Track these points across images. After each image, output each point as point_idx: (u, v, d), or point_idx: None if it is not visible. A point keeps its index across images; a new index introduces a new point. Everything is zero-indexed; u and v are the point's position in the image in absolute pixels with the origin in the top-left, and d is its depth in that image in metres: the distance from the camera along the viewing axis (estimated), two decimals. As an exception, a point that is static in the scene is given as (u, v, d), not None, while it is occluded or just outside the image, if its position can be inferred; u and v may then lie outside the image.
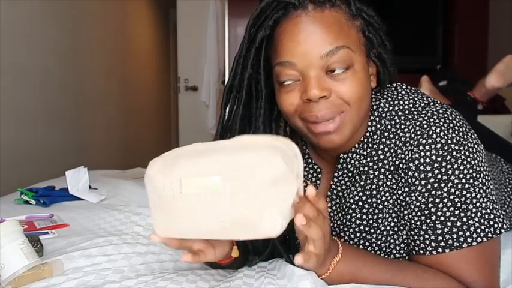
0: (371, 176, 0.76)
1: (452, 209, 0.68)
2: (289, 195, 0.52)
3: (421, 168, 0.69)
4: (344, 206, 0.79)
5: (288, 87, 0.70)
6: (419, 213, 0.70)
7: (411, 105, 0.75)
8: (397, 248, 0.75)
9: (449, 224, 0.68)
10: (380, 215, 0.75)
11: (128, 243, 0.90)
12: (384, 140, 0.75)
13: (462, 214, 0.68)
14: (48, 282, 0.69)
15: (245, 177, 0.52)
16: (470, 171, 0.68)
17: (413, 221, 0.71)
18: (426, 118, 0.72)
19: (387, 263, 0.70)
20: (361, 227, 0.77)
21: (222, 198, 0.53)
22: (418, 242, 0.71)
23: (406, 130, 0.73)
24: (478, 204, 0.68)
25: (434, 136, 0.69)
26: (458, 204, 0.68)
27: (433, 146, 0.69)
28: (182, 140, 3.89)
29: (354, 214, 0.77)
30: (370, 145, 0.76)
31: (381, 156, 0.75)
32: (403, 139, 0.73)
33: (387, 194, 0.75)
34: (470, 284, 0.67)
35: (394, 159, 0.74)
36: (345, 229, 0.78)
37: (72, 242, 0.92)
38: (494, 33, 3.75)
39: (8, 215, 1.16)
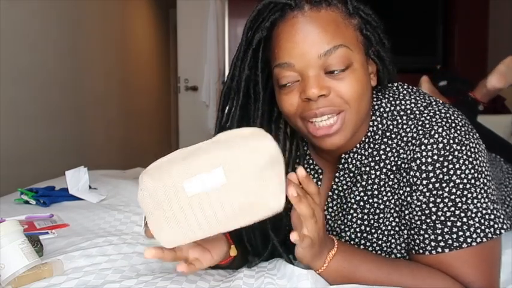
0: (372, 176, 0.76)
1: (453, 209, 0.68)
2: (282, 172, 0.57)
3: (423, 167, 0.69)
4: (345, 206, 0.79)
5: (287, 88, 0.71)
6: (419, 213, 0.70)
7: (413, 105, 0.75)
8: (398, 247, 0.75)
9: (449, 224, 0.68)
10: (381, 215, 0.75)
11: (128, 243, 0.90)
12: (385, 139, 0.75)
13: (462, 214, 0.68)
14: (48, 282, 0.69)
15: (245, 164, 0.55)
16: (472, 171, 0.68)
17: (413, 221, 0.71)
18: (428, 118, 0.72)
19: (383, 261, 0.70)
20: (362, 227, 0.77)
21: (228, 189, 0.55)
22: (418, 241, 0.71)
23: (408, 130, 0.73)
24: (478, 205, 0.68)
25: (436, 136, 0.69)
26: (459, 204, 0.68)
27: (434, 146, 0.69)
28: (182, 140, 3.89)
29: (355, 214, 0.77)
30: (371, 145, 0.76)
31: (383, 156, 0.75)
32: (405, 139, 0.73)
33: (389, 194, 0.75)
34: (469, 284, 0.67)
35: (396, 159, 0.74)
36: (346, 229, 0.78)
37: (72, 242, 0.92)
38: (494, 33, 3.75)
39: (8, 215, 1.16)
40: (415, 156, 0.70)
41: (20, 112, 2.13)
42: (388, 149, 0.75)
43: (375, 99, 0.78)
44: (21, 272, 0.68)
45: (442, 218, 0.68)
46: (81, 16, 2.83)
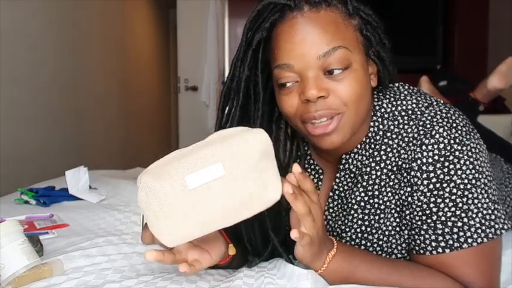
0: (373, 177, 0.76)
1: (453, 209, 0.68)
2: (275, 164, 0.59)
3: (424, 168, 0.69)
4: (346, 207, 0.79)
5: (287, 89, 0.71)
6: (420, 213, 0.70)
7: (414, 105, 0.75)
8: (399, 248, 0.75)
9: (450, 224, 0.68)
10: (382, 215, 0.75)
11: (128, 243, 0.90)
12: (386, 140, 0.75)
13: (463, 214, 0.68)
14: (48, 282, 0.69)
15: (242, 157, 0.56)
16: (473, 171, 0.68)
17: (414, 221, 0.71)
18: (429, 118, 0.72)
19: (384, 262, 0.70)
20: (363, 228, 0.77)
21: (227, 182, 0.56)
22: (418, 241, 0.71)
23: (409, 130, 0.73)
24: (479, 205, 0.68)
25: (437, 136, 0.69)
26: (460, 205, 0.68)
27: (435, 146, 0.69)
28: (182, 140, 3.89)
29: (356, 215, 0.77)
30: (372, 145, 0.76)
31: (383, 157, 0.75)
32: (406, 139, 0.73)
33: (389, 194, 0.75)
34: (469, 284, 0.67)
35: (397, 159, 0.74)
36: (347, 229, 0.78)
37: (72, 242, 0.92)
38: (494, 33, 3.75)
39: (8, 215, 1.16)
40: (416, 156, 0.70)
41: (20, 112, 2.13)
42: (388, 149, 0.75)
43: (375, 100, 0.78)
44: (21, 272, 0.68)
45: (443, 218, 0.68)
46: (81, 16, 2.83)
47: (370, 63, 0.75)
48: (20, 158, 2.11)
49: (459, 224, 0.68)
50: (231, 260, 0.73)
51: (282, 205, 0.62)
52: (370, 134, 0.76)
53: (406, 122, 0.74)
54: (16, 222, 0.73)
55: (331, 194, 0.81)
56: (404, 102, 0.76)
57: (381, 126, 0.76)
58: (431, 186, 0.69)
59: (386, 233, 0.75)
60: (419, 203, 0.70)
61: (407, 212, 0.72)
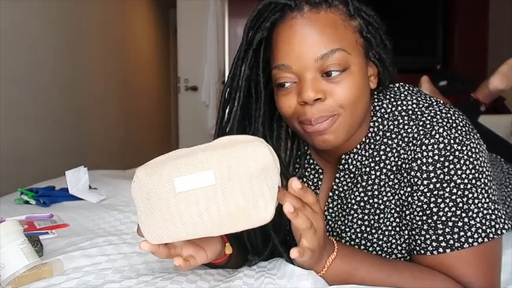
0: (373, 177, 0.76)
1: (454, 209, 0.68)
2: (275, 184, 0.55)
3: (424, 168, 0.69)
4: (346, 207, 0.79)
5: (285, 90, 0.71)
6: (420, 213, 0.70)
7: (414, 106, 0.75)
8: (399, 248, 0.75)
9: (450, 224, 0.68)
10: (382, 215, 0.75)
11: (128, 243, 0.90)
12: (386, 140, 0.75)
13: (464, 214, 0.68)
14: (48, 282, 0.69)
15: (237, 169, 0.54)
16: (473, 171, 0.68)
17: (414, 221, 0.71)
18: (429, 118, 0.71)
19: (384, 263, 0.70)
20: (363, 228, 0.77)
21: (216, 192, 0.55)
22: (419, 242, 0.70)
23: (409, 130, 0.73)
24: (479, 205, 0.68)
25: (437, 136, 0.69)
26: (460, 205, 0.68)
27: (435, 146, 0.69)
28: (182, 140, 3.89)
29: (355, 215, 0.77)
30: (372, 146, 0.76)
31: (383, 157, 0.75)
32: (406, 139, 0.73)
33: (389, 194, 0.75)
34: (469, 284, 0.67)
35: (397, 159, 0.74)
36: (347, 230, 0.78)
37: (72, 242, 0.92)
38: (494, 33, 3.75)
39: (8, 215, 1.16)
40: (416, 156, 0.70)
41: (20, 112, 2.13)
42: (388, 149, 0.75)
43: (376, 100, 0.78)
44: (21, 272, 0.68)
45: (443, 218, 0.68)
46: (81, 16, 2.83)
47: (370, 64, 0.74)
48: (20, 158, 2.11)
49: (460, 224, 0.67)
50: (228, 259, 0.73)
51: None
52: (370, 134, 0.76)
53: (406, 122, 0.74)
54: (16, 222, 0.73)
55: (330, 194, 0.81)
56: (404, 103, 0.76)
57: (380, 127, 0.76)
58: (431, 186, 0.69)
59: (386, 233, 0.75)
60: (420, 203, 0.70)
61: (408, 212, 0.72)
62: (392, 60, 0.76)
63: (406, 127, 0.73)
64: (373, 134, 0.76)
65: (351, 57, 0.68)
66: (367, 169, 0.76)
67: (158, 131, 5.14)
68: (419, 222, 0.70)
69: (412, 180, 0.71)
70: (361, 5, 0.73)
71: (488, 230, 0.67)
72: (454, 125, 0.70)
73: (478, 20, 3.76)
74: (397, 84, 0.79)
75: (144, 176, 0.57)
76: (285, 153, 0.81)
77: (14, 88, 2.07)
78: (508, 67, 1.52)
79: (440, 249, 0.68)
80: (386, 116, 0.76)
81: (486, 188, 0.69)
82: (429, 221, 0.69)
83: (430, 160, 0.69)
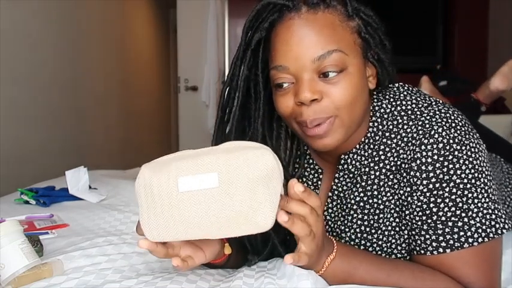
0: (372, 177, 0.76)
1: (453, 209, 0.68)
2: (277, 192, 0.55)
3: (423, 168, 0.69)
4: (345, 207, 0.79)
5: (283, 91, 0.71)
6: (420, 213, 0.70)
7: (414, 105, 0.75)
8: (399, 248, 0.75)
9: (450, 224, 0.68)
10: (381, 215, 0.75)
11: (128, 243, 0.90)
12: (385, 140, 0.75)
13: (463, 214, 0.68)
14: (48, 282, 0.69)
15: (240, 174, 0.54)
16: (472, 171, 0.68)
17: (414, 221, 0.71)
18: (428, 118, 0.72)
19: (383, 262, 0.70)
20: (362, 228, 0.77)
21: (218, 195, 0.55)
22: (419, 242, 0.70)
23: (408, 130, 0.73)
24: (479, 204, 0.68)
25: (436, 136, 0.69)
26: (460, 204, 0.68)
27: (434, 146, 0.69)
28: (182, 140, 3.89)
29: (355, 215, 0.77)
30: (371, 146, 0.76)
31: (382, 157, 0.75)
32: (405, 139, 0.73)
33: (388, 194, 0.75)
34: (469, 284, 0.67)
35: (396, 159, 0.74)
36: (346, 230, 0.78)
37: (72, 242, 0.92)
38: (494, 33, 3.75)
39: (8, 215, 1.16)
40: (415, 156, 0.70)
41: (20, 112, 2.13)
42: (387, 149, 0.75)
43: (375, 100, 0.78)
44: (21, 272, 0.68)
45: (443, 218, 0.68)
46: (81, 16, 2.83)
47: (368, 65, 0.74)
48: (20, 158, 2.11)
49: (459, 223, 0.67)
50: (227, 260, 0.73)
51: None
52: (369, 134, 0.76)
53: (405, 122, 0.74)
54: (16, 222, 0.73)
55: (330, 194, 0.81)
56: (403, 103, 0.76)
57: (380, 127, 0.76)
58: (430, 186, 0.69)
59: (386, 233, 0.75)
60: (419, 203, 0.70)
61: (407, 212, 0.72)
62: (391, 60, 0.76)
63: (405, 127, 0.74)
64: (373, 134, 0.76)
65: (348, 58, 0.68)
66: (367, 169, 0.76)
67: (158, 131, 5.14)
68: (419, 222, 0.70)
69: (411, 180, 0.71)
70: (359, 5, 0.73)
71: (488, 230, 0.67)
72: (453, 124, 0.70)
73: (478, 20, 3.76)
74: (396, 85, 0.79)
75: (149, 174, 0.57)
76: (284, 153, 0.81)
77: (14, 88, 2.07)
78: (508, 68, 1.52)
79: (440, 249, 0.68)
80: (385, 116, 0.76)
81: (486, 187, 0.69)
82: (429, 221, 0.69)
83: (429, 160, 0.69)
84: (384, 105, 0.77)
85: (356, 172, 0.78)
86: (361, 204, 0.76)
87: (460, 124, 0.70)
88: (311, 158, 0.85)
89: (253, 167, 0.55)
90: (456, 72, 3.52)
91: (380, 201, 0.75)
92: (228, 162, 0.55)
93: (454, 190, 0.68)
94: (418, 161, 0.70)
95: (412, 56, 3.59)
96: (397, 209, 0.74)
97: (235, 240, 0.75)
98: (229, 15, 4.01)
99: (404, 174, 0.72)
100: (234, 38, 4.01)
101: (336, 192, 0.81)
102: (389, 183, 0.75)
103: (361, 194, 0.76)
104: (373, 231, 0.76)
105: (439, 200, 0.68)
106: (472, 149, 0.69)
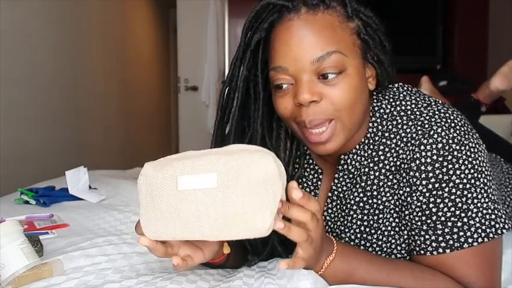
0: (372, 177, 0.76)
1: (453, 209, 0.68)
2: (277, 197, 0.54)
3: (422, 168, 0.69)
4: (345, 207, 0.79)
5: (282, 92, 0.71)
6: (420, 214, 0.70)
7: (413, 106, 0.75)
8: (398, 248, 0.75)
9: (449, 224, 0.68)
10: (381, 216, 0.75)
11: (128, 243, 0.90)
12: (384, 140, 0.75)
13: (463, 214, 0.68)
14: (48, 282, 0.69)
15: (239, 176, 0.54)
16: (472, 171, 0.68)
17: (414, 221, 0.71)
18: (428, 118, 0.71)
19: (383, 262, 0.70)
20: (362, 228, 0.77)
21: (217, 196, 0.55)
22: (418, 242, 0.70)
23: (407, 130, 0.73)
24: (479, 205, 0.68)
25: (436, 136, 0.69)
26: (459, 205, 0.68)
27: (434, 146, 0.69)
28: (182, 140, 3.89)
29: (354, 215, 0.77)
30: (371, 146, 0.76)
31: (382, 157, 0.75)
32: (404, 139, 0.73)
33: (388, 194, 0.75)
34: (469, 284, 0.67)
35: (395, 159, 0.74)
36: (346, 230, 0.78)
37: (72, 242, 0.92)
38: (494, 33, 3.75)
39: (8, 215, 1.16)
40: (415, 156, 0.70)
41: (20, 112, 2.13)
42: (387, 149, 0.75)
43: (375, 101, 0.78)
44: (21, 272, 0.68)
45: (443, 219, 0.68)
46: (81, 16, 2.83)
47: (368, 66, 0.74)
48: (20, 158, 2.11)
49: (459, 224, 0.67)
50: (226, 259, 0.73)
51: None
52: (368, 135, 0.76)
53: (404, 122, 0.74)
54: (16, 222, 0.73)
55: (330, 194, 0.81)
56: (403, 103, 0.76)
57: (379, 127, 0.76)
58: (430, 186, 0.69)
59: (386, 233, 0.75)
60: (419, 203, 0.70)
61: (407, 212, 0.72)
62: (391, 61, 0.76)
63: (404, 127, 0.74)
64: (372, 135, 0.76)
65: (347, 60, 0.68)
66: (366, 169, 0.76)
67: (158, 131, 5.15)
68: (419, 223, 0.70)
69: (411, 180, 0.71)
70: (359, 6, 0.72)
71: (488, 230, 0.67)
72: (453, 124, 0.70)
73: (478, 20, 3.76)
74: (396, 85, 0.79)
75: (151, 171, 0.58)
76: (284, 153, 0.81)
77: (14, 88, 2.07)
78: (508, 68, 1.53)
79: (440, 250, 0.68)
80: (385, 116, 0.76)
81: (486, 187, 0.69)
82: (428, 221, 0.69)
83: (428, 160, 0.69)
84: (384, 106, 0.77)
85: (356, 172, 0.78)
86: (361, 204, 0.76)
87: (460, 124, 0.70)
88: (311, 158, 0.85)
89: (252, 170, 0.54)
90: (456, 72, 3.51)
91: (380, 202, 0.75)
92: (227, 164, 0.55)
93: (454, 190, 0.68)
94: (417, 161, 0.70)
95: (412, 56, 3.59)
96: (397, 209, 0.74)
97: (234, 240, 0.75)
98: (229, 15, 4.01)
99: (404, 175, 0.72)
100: (234, 38, 4.01)
101: (335, 192, 0.81)
102: (389, 183, 0.75)
103: (361, 195, 0.76)
104: (372, 231, 0.76)
105: (438, 200, 0.68)
106: (472, 149, 0.69)
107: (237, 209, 0.54)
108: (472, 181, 0.68)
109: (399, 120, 0.75)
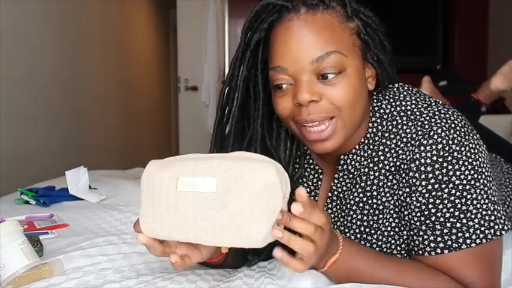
0: (371, 177, 0.76)
1: (452, 210, 0.68)
2: (276, 209, 0.54)
3: (422, 168, 0.69)
4: (345, 207, 0.79)
5: (281, 92, 0.71)
6: (419, 214, 0.70)
7: (413, 106, 0.75)
8: (398, 248, 0.75)
9: (448, 225, 0.68)
10: (381, 216, 0.75)
11: (128, 243, 0.90)
12: (384, 140, 0.75)
13: (462, 215, 0.68)
14: (48, 282, 0.69)
15: (239, 184, 0.54)
16: (472, 172, 0.68)
17: (413, 222, 0.71)
18: (428, 118, 0.71)
19: (387, 261, 0.70)
20: (362, 228, 0.77)
21: (214, 201, 0.55)
22: (417, 242, 0.70)
23: (407, 130, 0.73)
24: (478, 206, 0.68)
25: (436, 136, 0.69)
26: (459, 206, 0.68)
27: (434, 147, 0.69)
28: (182, 140, 3.88)
29: (354, 215, 0.77)
30: (371, 146, 0.76)
31: (381, 157, 0.75)
32: (404, 140, 0.73)
33: (387, 194, 0.75)
34: (469, 284, 0.67)
35: (395, 159, 0.74)
36: (346, 230, 0.78)
37: (72, 242, 0.92)
38: (494, 33, 3.75)
39: (8, 215, 1.16)
40: (414, 157, 0.70)
41: (20, 112, 2.13)
42: (387, 149, 0.75)
43: (375, 101, 0.78)
44: (21, 272, 0.68)
45: (442, 219, 0.68)
46: (81, 16, 2.83)
47: (368, 66, 0.74)
48: (20, 158, 2.11)
49: (458, 224, 0.67)
50: (225, 259, 0.73)
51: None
52: (368, 135, 0.76)
53: (404, 122, 0.74)
54: (16, 222, 0.73)
55: (329, 194, 0.81)
56: (403, 103, 0.76)
57: (379, 127, 0.76)
58: (429, 187, 0.69)
59: (386, 233, 0.75)
60: (418, 204, 0.70)
61: (406, 212, 0.72)
62: (391, 61, 0.76)
63: (404, 127, 0.73)
64: (372, 135, 0.76)
65: (347, 60, 0.68)
66: (366, 170, 0.76)
67: (158, 131, 5.15)
68: (418, 223, 0.70)
69: (410, 180, 0.71)
70: (359, 6, 0.72)
71: (487, 231, 0.67)
72: (453, 125, 0.70)
73: (478, 20, 3.75)
74: (396, 85, 0.79)
75: (154, 169, 0.58)
76: (284, 153, 0.81)
77: (14, 88, 2.07)
78: (508, 68, 1.53)
79: (438, 250, 0.68)
80: (385, 116, 0.76)
81: (485, 188, 0.69)
82: (427, 221, 0.69)
83: (428, 161, 0.69)
84: (384, 106, 0.77)
85: (355, 172, 0.78)
86: (361, 204, 0.76)
87: (460, 125, 0.70)
88: (311, 158, 0.85)
89: (253, 178, 0.53)
90: (456, 72, 3.52)
91: (379, 202, 0.75)
92: (228, 170, 0.55)
93: (453, 191, 0.68)
94: (417, 162, 0.70)
95: (412, 56, 3.59)
96: (397, 209, 0.74)
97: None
98: (229, 15, 4.01)
99: (404, 175, 0.72)
100: (234, 38, 4.01)
101: (335, 192, 0.80)
102: (389, 183, 0.75)
103: (361, 195, 0.76)
104: (372, 231, 0.76)
105: (437, 201, 0.68)
106: (472, 150, 0.69)
107: (233, 217, 0.53)
108: (472, 182, 0.68)
109: (399, 121, 0.74)
